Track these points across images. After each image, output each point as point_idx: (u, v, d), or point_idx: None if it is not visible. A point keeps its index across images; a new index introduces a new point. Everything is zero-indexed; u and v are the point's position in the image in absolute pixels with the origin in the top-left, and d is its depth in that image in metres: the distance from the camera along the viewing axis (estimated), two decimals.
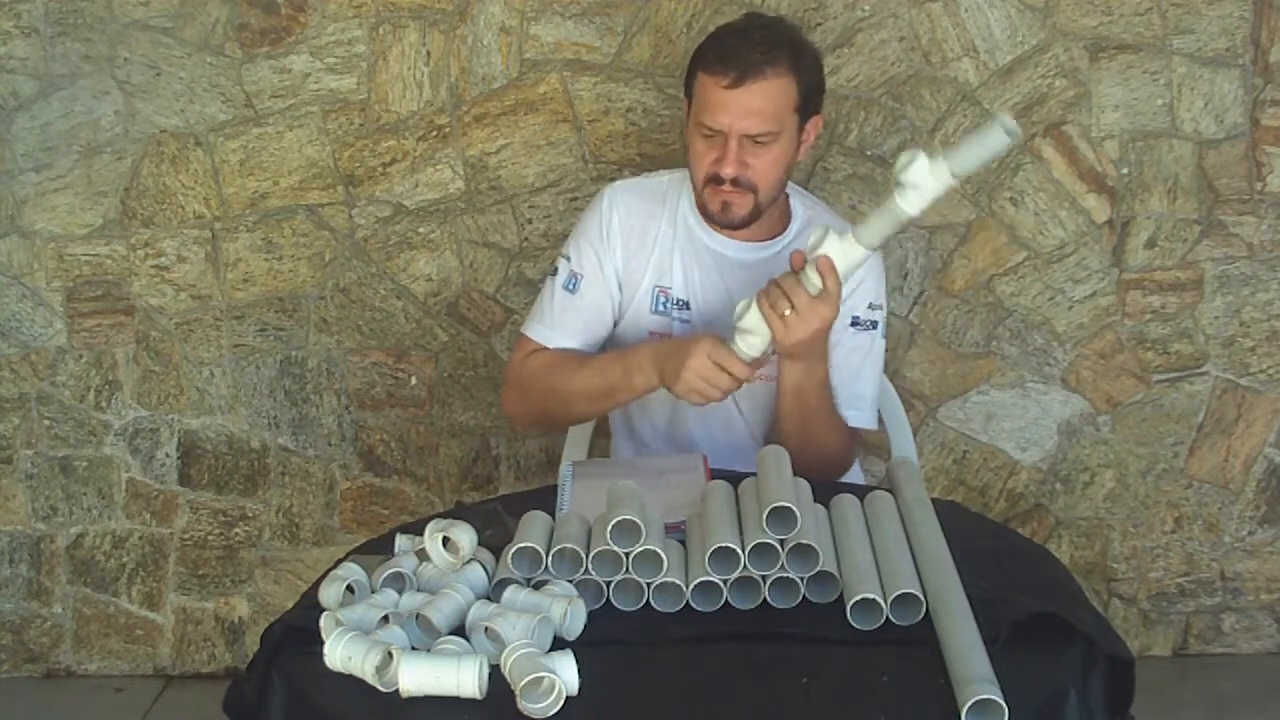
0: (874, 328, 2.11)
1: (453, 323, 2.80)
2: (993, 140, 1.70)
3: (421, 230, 2.76)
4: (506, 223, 2.75)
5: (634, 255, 2.12)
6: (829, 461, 2.05)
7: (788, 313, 1.82)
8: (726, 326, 1.93)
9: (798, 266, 1.85)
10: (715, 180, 2.00)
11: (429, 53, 2.68)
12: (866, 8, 2.63)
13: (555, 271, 2.14)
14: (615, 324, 2.15)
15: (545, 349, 2.12)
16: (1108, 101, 2.65)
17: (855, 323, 2.08)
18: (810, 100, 2.03)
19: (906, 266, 2.72)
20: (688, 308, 2.11)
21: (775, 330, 1.84)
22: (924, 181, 1.75)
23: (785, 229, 2.13)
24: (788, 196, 2.14)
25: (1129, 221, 2.70)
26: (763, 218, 2.06)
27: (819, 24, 2.64)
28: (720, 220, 2.05)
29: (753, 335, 1.87)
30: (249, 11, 2.68)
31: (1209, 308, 2.73)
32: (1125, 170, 2.68)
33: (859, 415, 2.11)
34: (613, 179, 2.66)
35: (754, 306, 1.86)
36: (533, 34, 2.67)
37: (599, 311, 2.13)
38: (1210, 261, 2.71)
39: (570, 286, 2.12)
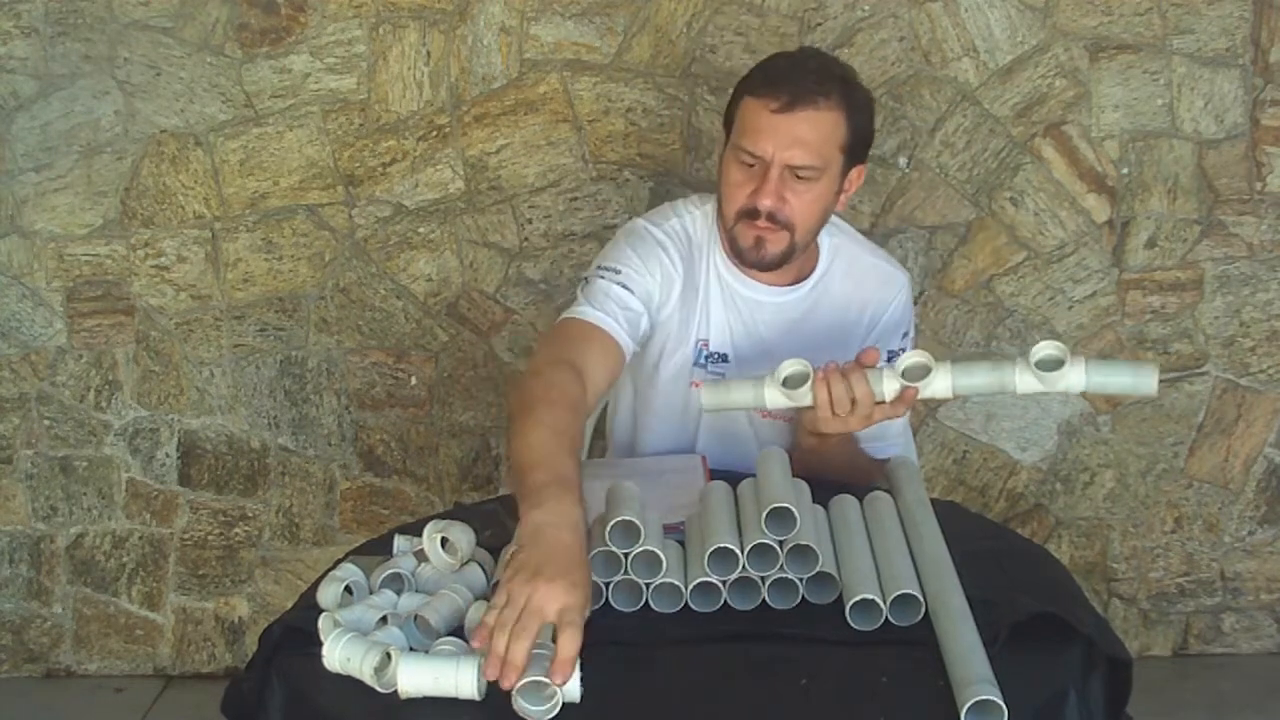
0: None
1: (453, 323, 2.80)
2: (1140, 383, 1.66)
3: (421, 230, 2.76)
4: (506, 223, 2.75)
5: (685, 302, 1.99)
6: (854, 483, 1.92)
7: (844, 414, 1.73)
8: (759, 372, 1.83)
9: (869, 363, 1.73)
10: (750, 214, 1.89)
11: (429, 53, 2.68)
12: (866, 8, 2.63)
13: (590, 281, 1.95)
14: (648, 343, 2.01)
15: (580, 322, 1.90)
16: (1108, 101, 2.65)
17: (891, 357, 1.93)
18: (859, 144, 1.92)
19: (907, 266, 2.71)
20: (725, 360, 2.01)
21: (822, 419, 1.75)
22: (1056, 384, 1.68)
23: (813, 269, 2.03)
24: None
25: (1129, 221, 2.70)
26: (794, 260, 1.96)
27: (819, 24, 2.64)
28: (751, 258, 1.93)
29: (785, 398, 1.77)
30: (249, 11, 2.68)
31: (1209, 308, 2.73)
32: (1125, 170, 2.68)
33: (886, 447, 2.02)
34: (613, 178, 2.69)
35: (809, 380, 1.74)
36: (533, 34, 2.67)
37: (638, 310, 1.94)
38: (1210, 261, 2.71)
39: (618, 283, 1.93)
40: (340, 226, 2.76)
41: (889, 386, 1.74)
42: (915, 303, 2.72)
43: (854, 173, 1.95)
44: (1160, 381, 2.69)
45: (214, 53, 2.70)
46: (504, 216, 2.75)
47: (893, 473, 1.82)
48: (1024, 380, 1.69)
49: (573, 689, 1.33)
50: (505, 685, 1.31)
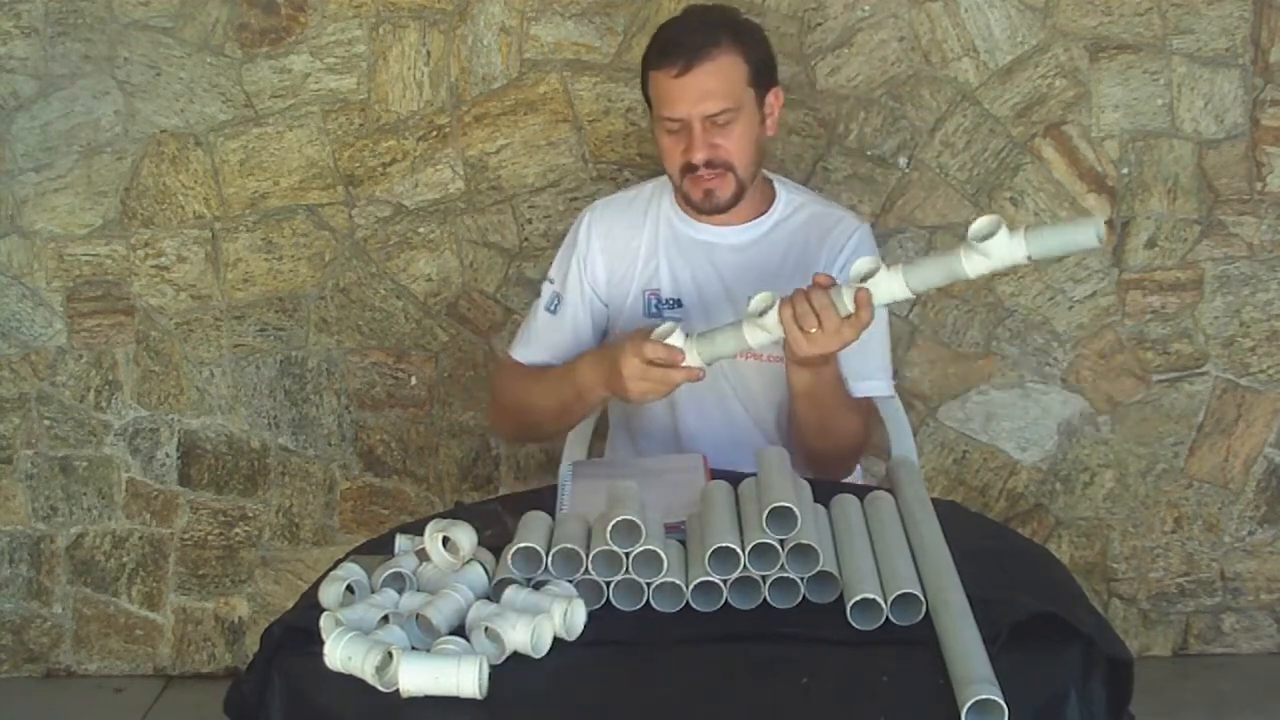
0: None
1: (453, 323, 2.80)
2: (1080, 237, 1.65)
3: (421, 230, 2.76)
4: (506, 223, 2.75)
5: (617, 269, 2.13)
6: (850, 446, 2.06)
7: (813, 330, 1.77)
8: (726, 316, 1.94)
9: (824, 285, 1.79)
10: (690, 170, 2.01)
11: (429, 53, 2.68)
12: (866, 8, 2.63)
13: (539, 294, 2.17)
14: (605, 336, 2.16)
15: (520, 366, 2.16)
16: (1108, 101, 2.65)
17: None
18: (763, 73, 2.04)
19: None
20: (680, 305, 2.11)
21: (793, 343, 1.80)
22: (997, 253, 1.68)
23: (769, 208, 2.13)
24: (768, 180, 2.15)
25: (1129, 221, 2.70)
26: (745, 198, 2.06)
27: (819, 24, 2.64)
28: (705, 207, 2.05)
29: (763, 332, 1.82)
30: (249, 11, 2.68)
31: (1209, 308, 2.73)
32: (1125, 170, 2.68)
33: (871, 385, 2.09)
34: (613, 178, 2.69)
35: (775, 308, 1.80)
36: (533, 34, 2.67)
37: (578, 332, 2.14)
38: (1210, 261, 2.71)
39: (552, 308, 2.15)
40: (340, 226, 2.76)
41: (847, 297, 1.77)
42: (915, 302, 2.74)
43: (770, 97, 2.06)
44: (1160, 382, 2.75)
45: (214, 53, 2.70)
46: (504, 216, 2.75)
47: (893, 472, 1.82)
48: (971, 262, 1.70)
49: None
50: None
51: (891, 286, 1.75)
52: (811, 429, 2.00)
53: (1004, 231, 1.67)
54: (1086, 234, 1.64)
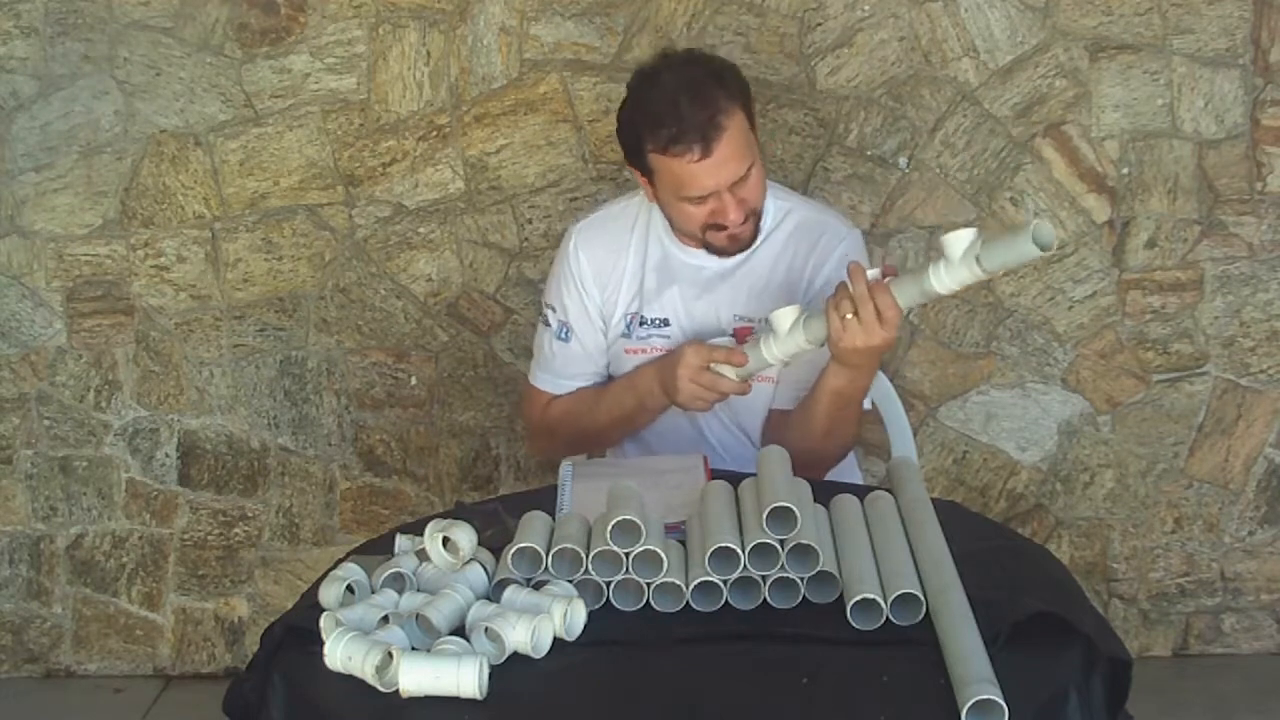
0: None
1: (453, 323, 2.80)
2: (1020, 248, 1.66)
3: (421, 230, 2.76)
4: (506, 223, 2.75)
5: (606, 291, 2.14)
6: (841, 453, 2.11)
7: (849, 316, 1.82)
8: (713, 335, 2.01)
9: (858, 278, 1.83)
10: (718, 228, 2.00)
11: (429, 53, 2.68)
12: (866, 8, 2.63)
13: (547, 322, 2.18)
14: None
15: (558, 396, 2.18)
16: (1108, 101, 2.65)
17: None
18: (750, 108, 2.01)
19: (906, 266, 2.72)
20: (667, 324, 2.11)
21: (833, 331, 1.84)
22: (954, 256, 1.72)
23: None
24: None
25: (1129, 221, 2.70)
26: None
27: (819, 24, 2.64)
28: (732, 251, 2.05)
29: (778, 342, 1.89)
30: (249, 11, 2.68)
31: (1209, 308, 2.73)
32: (1125, 170, 2.68)
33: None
34: (613, 178, 2.69)
35: (795, 315, 1.88)
36: (533, 34, 2.67)
37: (596, 353, 2.16)
38: (1210, 261, 2.71)
39: (564, 336, 2.16)
40: (340, 226, 2.76)
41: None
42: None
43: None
44: (1160, 382, 2.74)
45: (214, 53, 2.70)
46: (504, 216, 2.75)
47: (893, 472, 1.82)
48: (935, 273, 1.74)
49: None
50: None
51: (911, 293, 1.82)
52: (822, 425, 2.01)
53: (968, 234, 1.71)
54: (1025, 246, 1.65)
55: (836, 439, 2.04)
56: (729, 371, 1.94)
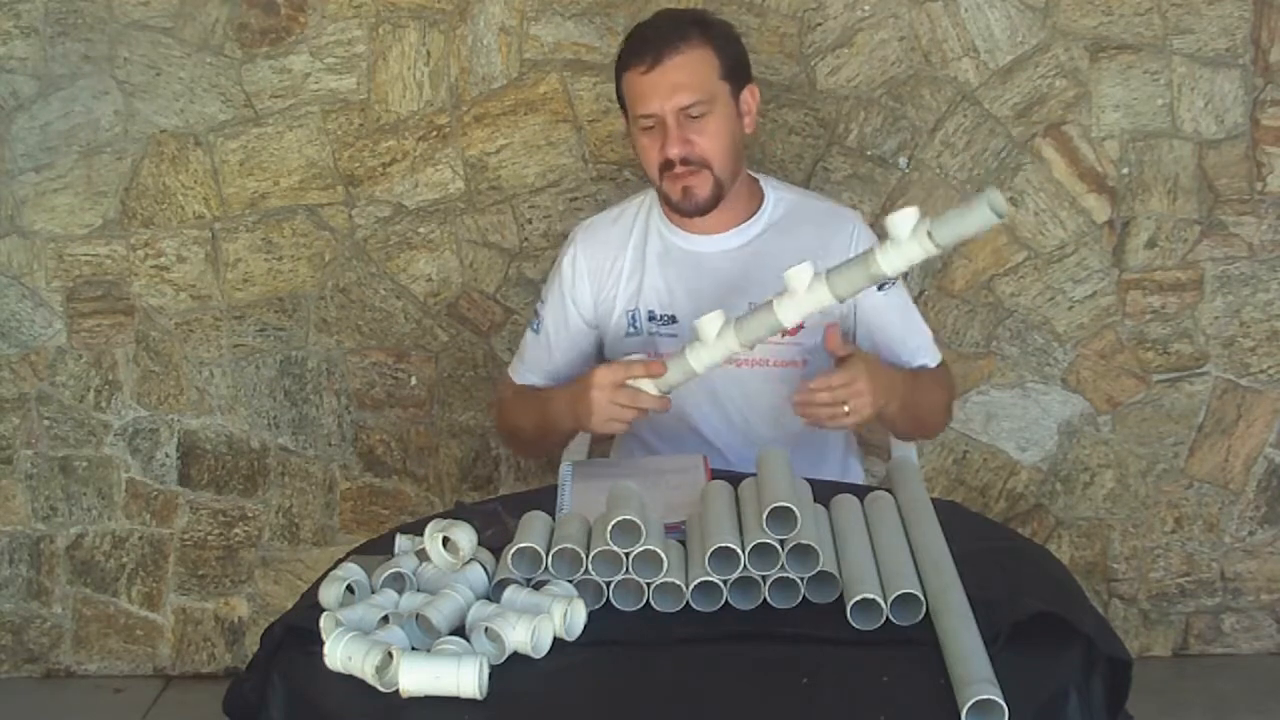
0: (895, 282, 2.07)
1: (453, 323, 2.80)
2: (977, 217, 1.68)
3: (421, 230, 2.76)
4: (506, 223, 2.75)
5: (603, 289, 2.14)
6: (943, 417, 2.22)
7: (846, 409, 1.85)
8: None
9: (836, 349, 1.89)
10: (667, 167, 2.00)
11: (429, 53, 2.68)
12: (866, 8, 2.63)
13: (535, 313, 2.21)
14: (600, 353, 2.17)
15: (518, 386, 2.20)
16: (1108, 101, 2.65)
17: (881, 287, 2.05)
18: (736, 69, 2.04)
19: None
20: (674, 321, 2.10)
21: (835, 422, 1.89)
22: (901, 235, 1.72)
23: (759, 210, 2.12)
24: (755, 180, 2.14)
25: (1129, 221, 2.70)
26: (729, 200, 2.05)
27: (819, 24, 2.64)
28: (685, 207, 2.03)
29: (706, 349, 1.84)
30: (249, 11, 2.68)
31: (1209, 308, 2.73)
32: (1125, 170, 2.68)
33: (930, 358, 2.16)
34: (613, 178, 2.69)
35: (721, 320, 1.83)
36: (533, 34, 2.67)
37: (557, 353, 2.16)
38: (1210, 261, 2.71)
39: (535, 328, 2.18)
40: (340, 226, 2.76)
41: (783, 312, 1.79)
42: (915, 301, 2.73)
43: (746, 94, 2.06)
44: (1160, 382, 2.74)
45: (214, 53, 2.70)
46: (504, 216, 2.75)
47: (893, 472, 1.82)
48: (883, 253, 1.74)
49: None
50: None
51: (815, 295, 1.77)
52: (907, 426, 2.12)
53: (911, 212, 1.72)
54: (981, 213, 1.67)
55: (930, 418, 2.17)
56: (649, 385, 1.88)
